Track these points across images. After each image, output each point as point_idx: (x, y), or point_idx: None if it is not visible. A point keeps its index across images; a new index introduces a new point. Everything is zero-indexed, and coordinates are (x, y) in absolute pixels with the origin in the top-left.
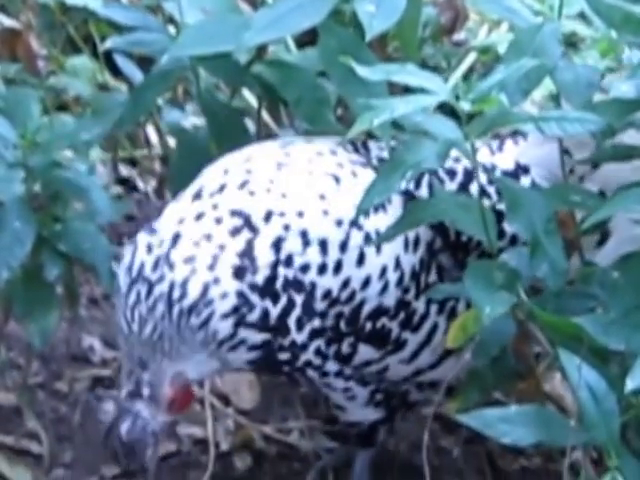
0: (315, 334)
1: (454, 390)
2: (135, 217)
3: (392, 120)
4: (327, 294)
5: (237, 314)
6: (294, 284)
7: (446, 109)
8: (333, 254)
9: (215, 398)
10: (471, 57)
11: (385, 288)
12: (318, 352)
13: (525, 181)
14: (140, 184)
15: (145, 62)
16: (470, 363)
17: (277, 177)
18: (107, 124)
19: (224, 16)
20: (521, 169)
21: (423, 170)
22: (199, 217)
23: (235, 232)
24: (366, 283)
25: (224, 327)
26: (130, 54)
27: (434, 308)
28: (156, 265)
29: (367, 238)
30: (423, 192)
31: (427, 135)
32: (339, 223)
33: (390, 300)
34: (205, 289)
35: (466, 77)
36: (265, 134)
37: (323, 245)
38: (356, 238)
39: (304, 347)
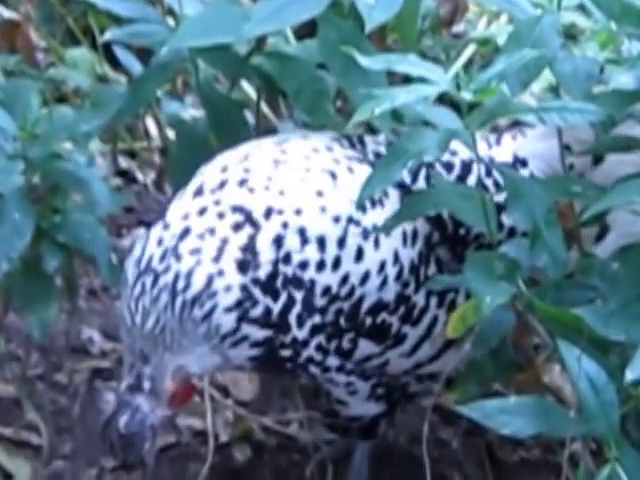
0: (316, 330)
1: (453, 382)
2: (134, 209)
3: (392, 111)
4: (326, 290)
5: (240, 308)
6: (293, 281)
7: (445, 102)
8: (331, 250)
9: (214, 389)
10: (470, 49)
11: (384, 283)
12: (319, 348)
13: (523, 174)
14: (139, 176)
15: (144, 54)
16: (470, 354)
17: (274, 174)
18: (106, 116)
19: (223, 7)
20: (519, 162)
21: (423, 161)
22: (202, 212)
23: (237, 227)
24: (365, 278)
25: (227, 321)
26: (129, 46)
27: (434, 301)
28: (164, 257)
29: (365, 234)
30: (420, 186)
31: (427, 126)
32: (337, 220)
33: (389, 295)
34: (209, 281)
35: (465, 69)
36: (264, 126)
37: (321, 242)
38: (354, 234)
39: (305, 343)
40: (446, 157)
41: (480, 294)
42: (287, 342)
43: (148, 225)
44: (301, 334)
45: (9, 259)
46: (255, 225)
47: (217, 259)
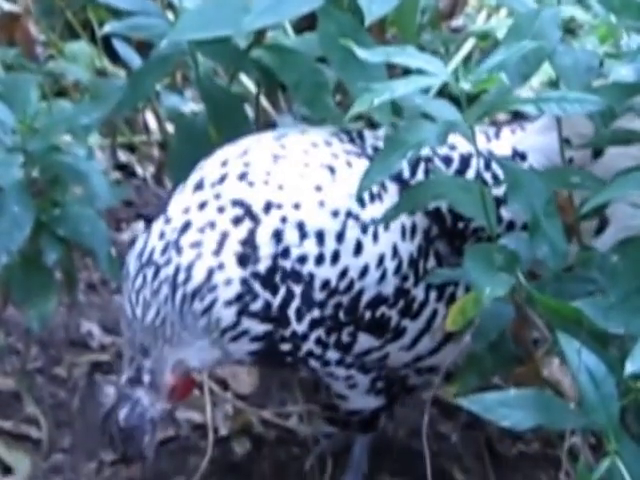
0: (315, 324)
1: (453, 375)
2: (134, 203)
3: (391, 103)
4: (325, 284)
5: (241, 302)
6: (292, 275)
7: (444, 95)
8: (330, 245)
9: (214, 383)
10: (470, 43)
11: (383, 277)
12: (319, 342)
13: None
14: (139, 170)
15: (144, 47)
16: (469, 348)
17: (274, 169)
18: (106, 109)
19: (223, 0)
20: (518, 156)
21: (421, 154)
22: (202, 206)
23: (237, 221)
24: (364, 272)
25: (227, 315)
26: (129, 39)
27: (433, 295)
28: (165, 250)
29: (364, 228)
30: (419, 180)
31: (426, 118)
32: (335, 214)
33: (389, 288)
34: (210, 274)
35: (465, 63)
36: (263, 120)
37: (320, 236)
38: (352, 228)
39: (305, 337)
40: (445, 151)
41: (480, 285)
42: (287, 336)
43: (147, 219)
44: (300, 328)
45: (8, 252)
46: (255, 219)
47: (217, 252)
